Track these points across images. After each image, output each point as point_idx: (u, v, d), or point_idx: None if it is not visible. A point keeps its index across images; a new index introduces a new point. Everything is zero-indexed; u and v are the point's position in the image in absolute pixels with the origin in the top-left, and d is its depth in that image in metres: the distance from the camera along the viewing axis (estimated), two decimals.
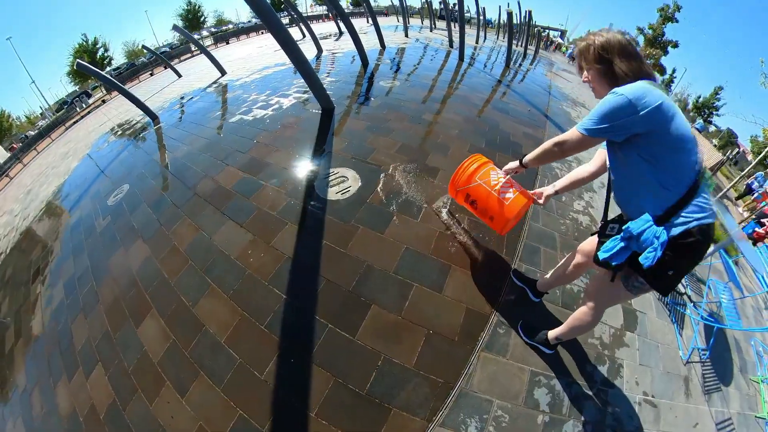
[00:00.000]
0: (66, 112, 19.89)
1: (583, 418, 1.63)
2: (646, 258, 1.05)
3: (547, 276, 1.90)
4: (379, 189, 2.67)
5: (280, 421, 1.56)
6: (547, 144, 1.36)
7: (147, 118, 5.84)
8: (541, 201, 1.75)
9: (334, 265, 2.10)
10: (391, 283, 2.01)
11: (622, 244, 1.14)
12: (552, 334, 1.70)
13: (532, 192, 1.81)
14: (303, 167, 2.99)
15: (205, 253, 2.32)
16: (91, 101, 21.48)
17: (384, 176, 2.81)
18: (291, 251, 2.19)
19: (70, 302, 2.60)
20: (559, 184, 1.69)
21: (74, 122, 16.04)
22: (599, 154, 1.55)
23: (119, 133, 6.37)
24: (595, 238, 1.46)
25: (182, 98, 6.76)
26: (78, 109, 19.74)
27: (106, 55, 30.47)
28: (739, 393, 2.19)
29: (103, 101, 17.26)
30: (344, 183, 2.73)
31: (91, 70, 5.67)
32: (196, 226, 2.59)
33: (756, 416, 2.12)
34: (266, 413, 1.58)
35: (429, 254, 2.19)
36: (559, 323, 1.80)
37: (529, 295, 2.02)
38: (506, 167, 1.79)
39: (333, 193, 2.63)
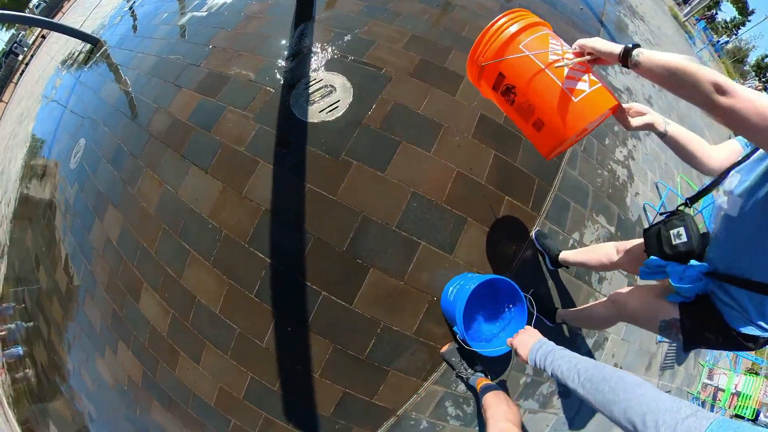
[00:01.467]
0: (7, 68, 17.81)
1: (557, 383, 1.80)
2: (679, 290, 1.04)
3: (572, 255, 1.70)
4: (378, 105, 1.97)
5: (287, 381, 1.72)
6: (699, 70, 0.74)
7: (88, 45, 4.92)
8: (633, 124, 1.01)
9: (322, 217, 1.75)
10: (392, 241, 1.72)
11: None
12: (560, 314, 1.72)
13: (627, 105, 1.04)
14: (273, 76, 2.24)
15: (175, 214, 2.02)
16: (31, 41, 19.28)
17: (386, 85, 2.04)
18: (268, 202, 1.81)
19: (74, 286, 2.59)
20: (673, 128, 1.05)
21: (21, 74, 14.62)
22: (730, 150, 1.05)
23: (63, 72, 5.58)
24: (639, 241, 1.29)
25: (128, 1, 5.50)
26: (21, 56, 17.85)
27: None
28: (686, 372, 2.48)
29: (43, 37, 15.28)
30: (331, 95, 2.03)
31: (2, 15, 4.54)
32: (158, 179, 2.21)
33: (689, 392, 2.50)
34: (274, 375, 1.73)
35: (442, 203, 1.76)
36: (569, 297, 1.90)
37: (546, 261, 1.84)
38: (583, 41, 0.99)
39: (315, 112, 1.98)
